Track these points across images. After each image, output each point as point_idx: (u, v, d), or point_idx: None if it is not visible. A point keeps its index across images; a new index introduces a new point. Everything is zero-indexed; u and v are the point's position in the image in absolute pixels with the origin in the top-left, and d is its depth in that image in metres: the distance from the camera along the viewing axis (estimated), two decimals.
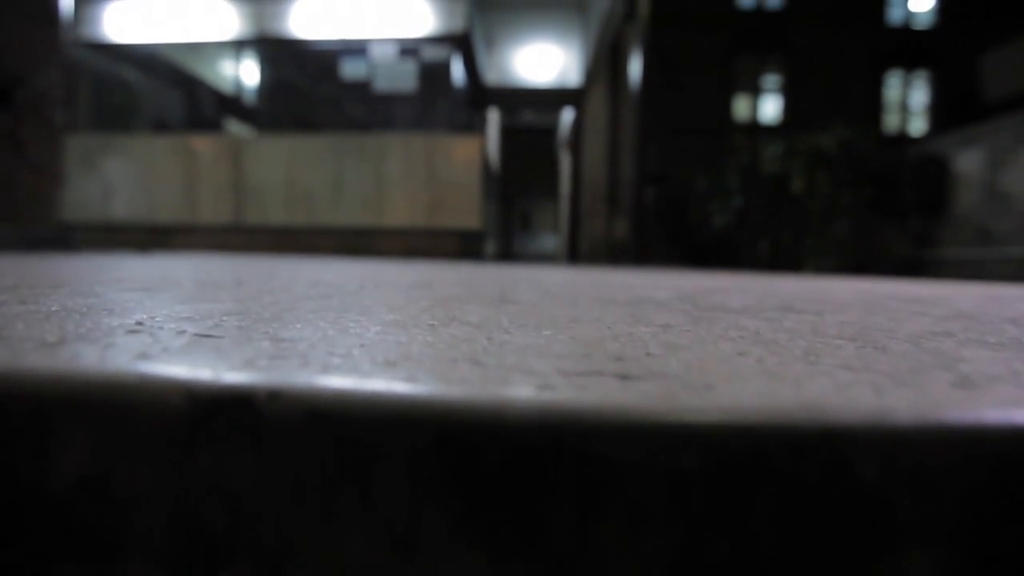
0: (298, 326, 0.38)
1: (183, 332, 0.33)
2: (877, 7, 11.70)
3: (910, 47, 11.55)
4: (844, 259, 4.45)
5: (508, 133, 12.78)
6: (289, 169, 6.29)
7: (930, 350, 0.37)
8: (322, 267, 1.67)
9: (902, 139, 11.30)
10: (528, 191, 14.94)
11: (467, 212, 6.03)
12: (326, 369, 0.25)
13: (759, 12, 11.17)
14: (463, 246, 6.06)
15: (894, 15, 11.77)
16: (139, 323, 0.37)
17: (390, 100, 7.30)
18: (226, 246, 6.34)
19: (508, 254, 14.06)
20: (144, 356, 0.26)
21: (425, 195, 6.08)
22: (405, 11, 7.16)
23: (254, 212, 6.32)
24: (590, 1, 10.74)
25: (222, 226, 6.36)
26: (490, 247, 8.08)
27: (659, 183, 7.83)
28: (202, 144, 6.50)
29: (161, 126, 8.04)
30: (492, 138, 8.97)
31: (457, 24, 7.11)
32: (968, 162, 4.28)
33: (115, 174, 6.52)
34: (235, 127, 8.12)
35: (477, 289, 0.84)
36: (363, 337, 0.35)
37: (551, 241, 14.63)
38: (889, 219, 4.58)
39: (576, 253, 11.21)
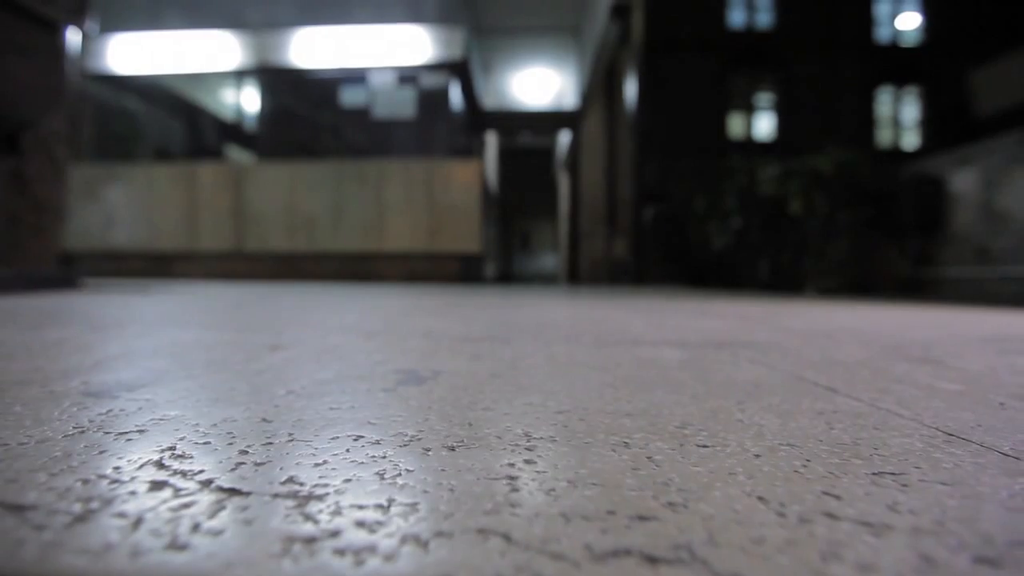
0: (319, 463, 0.38)
1: (208, 483, 0.33)
2: (865, 26, 11.89)
3: (899, 64, 11.71)
4: (844, 279, 4.47)
5: (506, 155, 12.89)
6: (289, 195, 6.33)
7: (956, 487, 0.37)
8: (325, 311, 1.67)
9: (895, 153, 11.42)
10: (527, 211, 15.02)
11: (467, 236, 6.07)
12: None
13: (750, 32, 11.35)
14: (463, 269, 6.08)
15: (882, 34, 11.97)
16: (160, 463, 0.37)
17: (390, 126, 7.39)
18: (227, 273, 6.36)
19: (508, 275, 14.09)
20: (176, 546, 0.26)
21: (425, 219, 6.13)
22: (404, 41, 7.26)
23: (254, 238, 6.35)
24: (585, 27, 10.91)
25: (222, 252, 6.39)
26: (490, 269, 8.10)
27: (657, 201, 7.88)
28: (203, 172, 6.55)
29: (163, 154, 8.09)
30: (491, 161, 9.05)
31: (455, 52, 7.22)
32: (964, 182, 4.32)
33: (118, 203, 6.57)
34: (236, 154, 8.18)
35: (485, 359, 0.84)
36: (386, 479, 0.35)
37: (550, 260, 14.68)
38: (887, 238, 4.61)
39: (576, 272, 11.23)
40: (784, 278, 4.85)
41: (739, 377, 0.71)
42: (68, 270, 2.56)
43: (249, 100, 8.03)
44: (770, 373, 0.74)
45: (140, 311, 1.51)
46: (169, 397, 0.56)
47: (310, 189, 6.24)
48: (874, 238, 4.64)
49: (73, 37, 2.29)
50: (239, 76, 7.86)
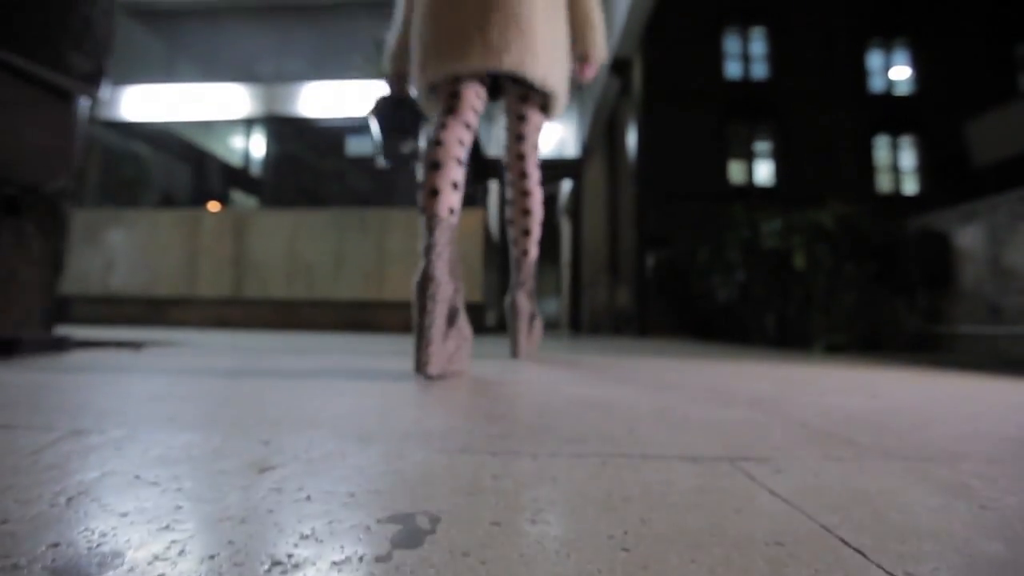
0: None
1: None
2: (859, 77, 12.22)
3: (894, 114, 11.99)
4: (852, 335, 4.41)
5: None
6: (291, 242, 6.37)
7: None
8: (320, 389, 1.63)
9: (895, 198, 11.57)
10: None
11: (468, 285, 6.06)
12: None
13: (746, 83, 11.65)
14: None
15: (876, 84, 12.30)
16: None
17: (394, 174, 7.49)
18: (223, 319, 6.33)
19: (506, 322, 14.01)
20: None
21: None
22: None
23: (253, 285, 6.35)
24: None
25: (221, 299, 6.37)
26: (491, 317, 8.07)
27: (659, 246, 7.92)
28: (206, 218, 6.60)
29: (168, 199, 8.19)
30: (493, 208, 9.15)
31: None
32: (969, 237, 4.31)
33: (119, 247, 6.60)
34: (241, 199, 8.29)
35: (485, 490, 0.79)
36: None
37: (552, 305, 14.74)
38: (894, 293, 4.58)
39: (578, 320, 11.19)
40: (791, 332, 4.80)
41: (760, 527, 0.66)
42: (58, 341, 2.52)
43: (256, 147, 8.19)
44: (790, 517, 0.69)
45: (125, 393, 1.47)
46: (144, 568, 0.51)
47: (312, 236, 6.28)
48: (881, 293, 4.62)
49: (86, 104, 2.33)
50: (248, 124, 8.04)
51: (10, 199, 2.33)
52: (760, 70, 11.76)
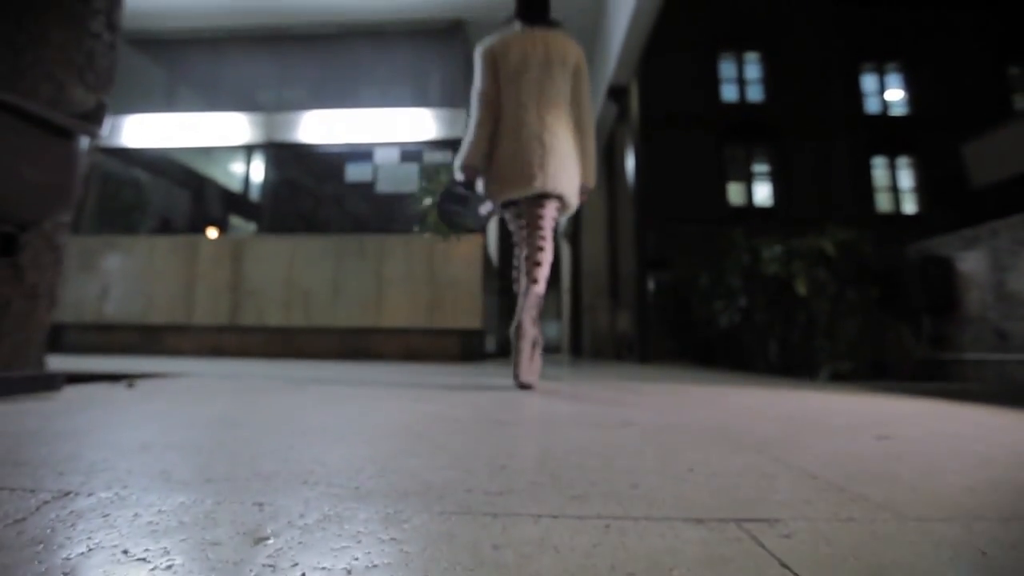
0: None
1: None
2: (854, 99, 12.35)
3: (890, 135, 12.09)
4: (857, 362, 4.36)
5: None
6: (289, 269, 6.35)
7: None
8: (316, 433, 1.59)
9: (895, 218, 11.61)
10: None
11: (468, 311, 6.03)
12: None
13: (743, 106, 11.78)
14: (463, 346, 6.00)
15: (871, 106, 12.42)
16: None
17: (392, 200, 7.51)
18: (218, 347, 6.29)
19: (509, 347, 13.96)
20: None
21: (425, 295, 6.10)
22: (409, 121, 7.48)
23: (250, 312, 6.31)
24: None
25: (217, 326, 6.33)
26: (490, 342, 8.02)
27: (660, 270, 7.92)
28: (202, 245, 6.59)
29: (166, 224, 8.19)
30: (492, 232, 9.17)
31: (458, 131, 7.43)
32: (972, 263, 4.29)
33: (114, 274, 6.58)
34: (240, 224, 8.31)
35: (486, 564, 0.76)
36: None
37: (552, 329, 14.74)
38: (900, 320, 4.54)
39: (579, 345, 11.12)
40: (794, 359, 4.75)
41: None
42: (50, 378, 2.49)
43: (256, 172, 8.23)
44: None
45: (116, 442, 1.44)
46: None
47: (310, 262, 6.27)
48: (885, 319, 4.58)
49: (86, 141, 2.33)
50: (248, 150, 8.09)
51: (8, 238, 2.32)
52: (756, 93, 11.91)
